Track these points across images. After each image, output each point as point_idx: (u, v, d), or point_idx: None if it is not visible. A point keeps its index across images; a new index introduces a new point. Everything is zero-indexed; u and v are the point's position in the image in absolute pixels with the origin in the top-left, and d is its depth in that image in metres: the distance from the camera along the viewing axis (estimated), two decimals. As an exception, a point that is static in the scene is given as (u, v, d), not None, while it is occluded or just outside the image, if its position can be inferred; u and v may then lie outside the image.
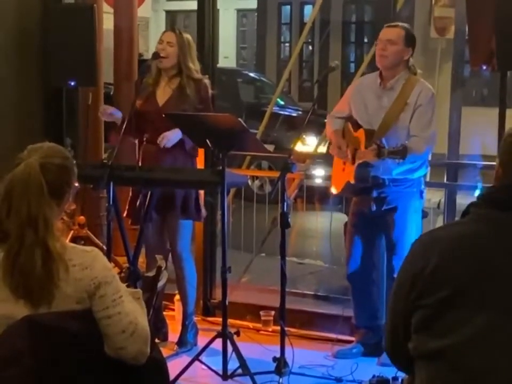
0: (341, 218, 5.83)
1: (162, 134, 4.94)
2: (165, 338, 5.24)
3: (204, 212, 5.15)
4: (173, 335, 5.26)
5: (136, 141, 5.14)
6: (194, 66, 5.06)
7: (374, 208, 4.78)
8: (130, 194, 5.16)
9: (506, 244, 2.26)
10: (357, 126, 4.83)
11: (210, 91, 5.09)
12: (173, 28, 5.28)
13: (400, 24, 4.84)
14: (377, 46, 4.78)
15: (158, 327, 5.07)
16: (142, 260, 5.15)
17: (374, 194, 4.75)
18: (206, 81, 5.09)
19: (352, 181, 4.71)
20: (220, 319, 4.65)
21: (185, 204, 5.02)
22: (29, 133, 5.89)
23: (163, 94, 5.09)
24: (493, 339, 2.19)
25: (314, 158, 7.92)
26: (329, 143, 5.04)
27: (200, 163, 5.43)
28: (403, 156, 4.35)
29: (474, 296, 2.22)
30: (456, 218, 2.58)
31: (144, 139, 5.07)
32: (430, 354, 2.25)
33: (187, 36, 5.08)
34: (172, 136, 4.94)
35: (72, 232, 5.87)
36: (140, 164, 5.04)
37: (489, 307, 2.21)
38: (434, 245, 2.32)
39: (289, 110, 12.13)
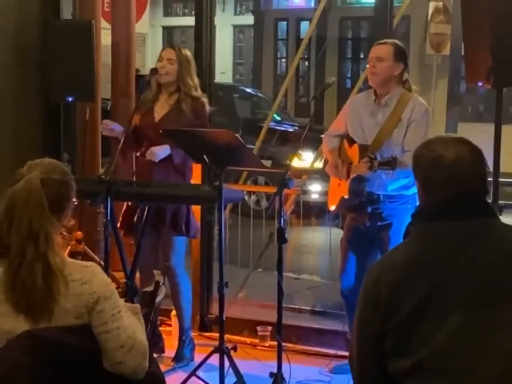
0: (338, 233, 5.84)
1: (150, 149, 4.96)
2: (161, 351, 5.24)
3: (195, 228, 5.15)
4: (170, 350, 5.26)
5: (134, 155, 5.17)
6: (193, 83, 5.08)
7: (368, 223, 4.79)
8: (125, 207, 5.17)
9: (451, 250, 2.37)
10: (352, 142, 4.84)
11: (207, 109, 5.11)
12: (172, 45, 5.28)
13: (388, 40, 4.85)
14: (368, 65, 4.81)
15: (155, 342, 5.07)
16: (136, 275, 5.15)
17: (369, 210, 4.76)
18: (204, 100, 5.11)
19: (346, 196, 4.72)
20: (217, 334, 4.65)
21: (175, 220, 5.02)
22: (27, 148, 5.90)
23: (161, 110, 5.11)
24: (467, 339, 2.27)
25: (310, 174, 7.93)
26: (325, 161, 5.05)
27: (197, 179, 5.44)
28: (393, 166, 4.35)
29: (437, 305, 2.30)
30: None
31: (139, 153, 5.10)
32: (409, 371, 2.30)
33: (186, 52, 5.10)
34: (158, 151, 4.95)
35: (69, 247, 5.86)
36: (135, 178, 5.06)
37: (455, 312, 2.28)
38: (384, 272, 2.41)
39: (286, 126, 12.14)
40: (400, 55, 4.76)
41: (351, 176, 4.67)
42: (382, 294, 2.36)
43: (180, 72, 5.04)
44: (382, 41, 4.84)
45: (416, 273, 2.35)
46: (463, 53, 5.04)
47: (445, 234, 2.39)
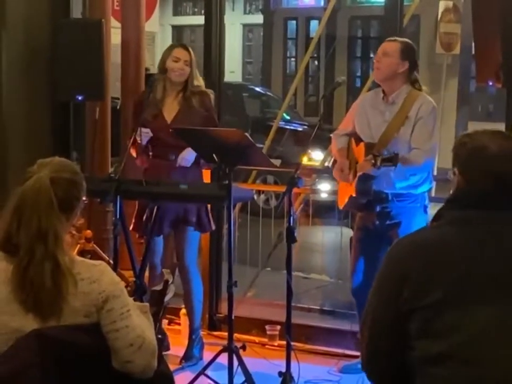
0: (347, 232, 5.83)
1: (180, 155, 4.98)
2: (166, 349, 5.25)
3: (213, 224, 5.19)
4: (179, 349, 5.27)
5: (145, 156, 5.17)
6: (200, 83, 5.13)
7: (377, 222, 4.78)
8: (137, 207, 5.18)
9: (488, 237, 2.38)
10: (360, 141, 4.83)
11: (213, 102, 5.15)
12: (185, 45, 5.25)
13: (398, 38, 4.83)
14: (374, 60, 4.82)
15: (161, 340, 5.08)
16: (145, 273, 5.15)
17: (377, 209, 4.74)
18: (211, 95, 5.15)
19: (354, 195, 4.72)
20: (226, 334, 4.65)
21: (199, 217, 5.06)
22: (37, 147, 5.90)
23: (171, 110, 5.11)
24: (501, 331, 2.26)
25: (320, 173, 7.93)
26: (334, 161, 5.04)
27: (207, 178, 5.44)
28: (395, 163, 4.35)
29: (471, 291, 2.30)
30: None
31: (150, 154, 5.10)
32: (436, 358, 2.29)
33: (193, 53, 5.14)
34: (188, 157, 4.99)
35: (78, 246, 5.88)
36: (148, 179, 5.06)
37: (487, 300, 2.28)
38: (417, 248, 2.42)
39: (295, 125, 12.16)
40: (407, 54, 4.73)
41: (358, 175, 4.67)
42: (412, 271, 2.36)
43: (191, 74, 5.08)
44: (392, 38, 4.83)
45: (452, 255, 2.36)
46: (473, 52, 5.02)
47: (481, 222, 2.40)
